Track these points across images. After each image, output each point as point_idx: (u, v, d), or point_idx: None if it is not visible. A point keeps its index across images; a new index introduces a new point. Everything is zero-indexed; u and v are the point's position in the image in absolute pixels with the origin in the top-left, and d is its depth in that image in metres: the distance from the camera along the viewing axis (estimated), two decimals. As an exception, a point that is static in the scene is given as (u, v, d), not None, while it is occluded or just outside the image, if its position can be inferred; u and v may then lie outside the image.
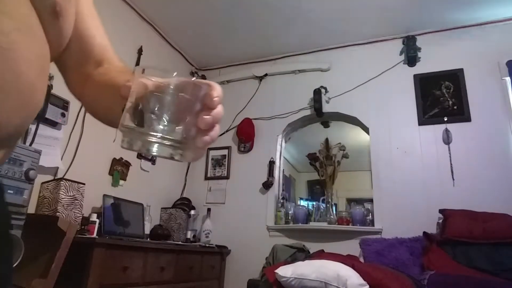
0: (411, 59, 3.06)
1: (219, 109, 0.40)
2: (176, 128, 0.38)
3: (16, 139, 0.43)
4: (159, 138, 0.37)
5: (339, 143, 3.39)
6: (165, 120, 0.38)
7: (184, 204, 3.24)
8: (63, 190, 1.98)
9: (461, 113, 2.78)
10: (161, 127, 0.37)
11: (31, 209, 1.96)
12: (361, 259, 2.51)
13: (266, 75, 3.61)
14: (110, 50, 0.59)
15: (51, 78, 1.92)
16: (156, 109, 0.38)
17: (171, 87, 0.38)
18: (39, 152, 1.61)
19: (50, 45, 0.44)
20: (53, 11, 0.43)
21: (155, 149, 0.37)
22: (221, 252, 3.02)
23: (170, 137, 0.37)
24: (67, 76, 0.57)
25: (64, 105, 2.19)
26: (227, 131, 3.48)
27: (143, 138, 0.37)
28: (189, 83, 0.39)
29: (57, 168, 2.19)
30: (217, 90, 0.40)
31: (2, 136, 0.37)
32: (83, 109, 2.42)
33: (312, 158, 3.42)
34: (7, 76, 0.35)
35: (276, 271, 2.01)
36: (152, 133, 0.37)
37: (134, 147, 0.38)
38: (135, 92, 0.38)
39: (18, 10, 0.38)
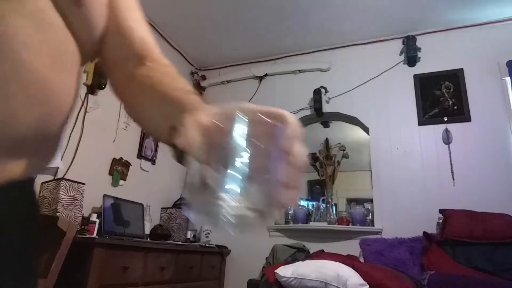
0: (411, 59, 3.06)
1: (299, 154, 0.30)
2: (253, 188, 0.29)
3: (39, 146, 0.38)
4: (236, 206, 0.28)
5: (339, 143, 3.39)
6: (237, 179, 0.28)
7: (184, 204, 3.24)
8: (63, 190, 1.97)
9: (461, 113, 2.78)
10: (235, 189, 0.28)
11: (31, 209, 1.96)
12: (361, 259, 2.51)
13: (266, 75, 3.60)
14: (152, 44, 0.53)
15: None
16: (222, 164, 0.29)
17: (236, 132, 0.29)
18: (39, 152, 1.60)
19: (76, 37, 0.40)
20: None
21: (235, 221, 0.29)
22: (221, 252, 3.02)
23: (252, 205, 0.29)
24: (110, 74, 0.53)
25: (64, 105, 2.19)
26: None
27: (216, 209, 0.29)
28: (259, 123, 0.29)
29: (57, 168, 2.19)
30: (292, 126, 0.30)
31: (6, 135, 0.33)
32: (83, 109, 2.42)
33: (312, 158, 3.42)
34: (2, 62, 0.32)
35: (276, 271, 2.01)
36: (227, 201, 0.28)
37: (208, 220, 0.31)
38: (192, 143, 0.30)
39: None
